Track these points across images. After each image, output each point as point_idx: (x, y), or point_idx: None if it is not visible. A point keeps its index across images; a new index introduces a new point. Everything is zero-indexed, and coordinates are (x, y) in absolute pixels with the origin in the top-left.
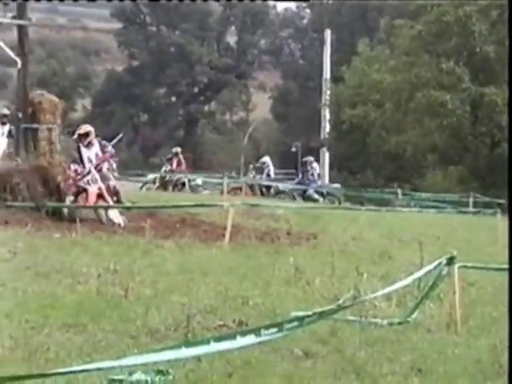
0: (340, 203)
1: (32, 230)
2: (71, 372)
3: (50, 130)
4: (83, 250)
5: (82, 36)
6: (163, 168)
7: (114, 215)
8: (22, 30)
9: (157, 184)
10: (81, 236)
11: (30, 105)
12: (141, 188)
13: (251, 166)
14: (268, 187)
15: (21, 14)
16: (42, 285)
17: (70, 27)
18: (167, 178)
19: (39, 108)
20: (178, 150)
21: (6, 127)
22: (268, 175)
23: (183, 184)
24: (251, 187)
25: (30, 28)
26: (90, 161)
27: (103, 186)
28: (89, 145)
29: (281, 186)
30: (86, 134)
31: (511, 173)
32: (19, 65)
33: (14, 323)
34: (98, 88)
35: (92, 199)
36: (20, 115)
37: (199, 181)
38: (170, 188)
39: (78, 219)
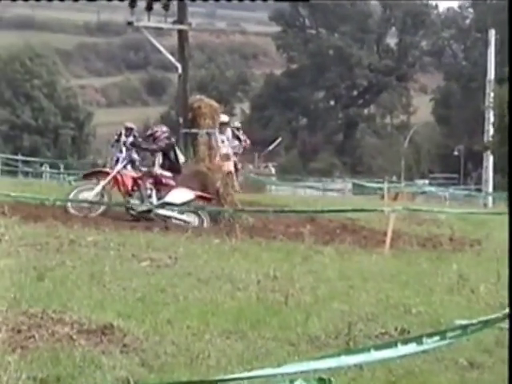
0: None
1: (191, 235)
2: (233, 379)
3: (209, 134)
4: (242, 255)
5: (240, 40)
6: None
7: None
8: (182, 34)
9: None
10: (240, 242)
11: (190, 109)
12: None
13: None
14: None
15: (181, 18)
16: (203, 291)
17: (228, 31)
18: None
19: (199, 113)
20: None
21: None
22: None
23: None
24: None
25: (189, 33)
26: (222, 141)
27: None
28: (222, 131)
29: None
30: (225, 123)
31: (511, 172)
32: (179, 70)
33: (175, 329)
34: (257, 92)
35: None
36: (180, 120)
37: None
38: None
39: (237, 225)
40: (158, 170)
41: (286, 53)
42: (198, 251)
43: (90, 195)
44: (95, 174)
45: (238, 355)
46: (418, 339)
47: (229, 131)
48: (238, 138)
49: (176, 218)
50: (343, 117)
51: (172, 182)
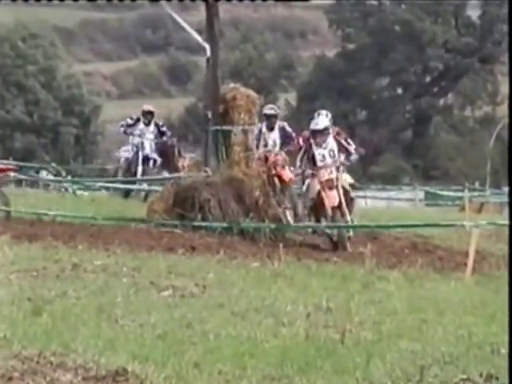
0: None
1: (224, 257)
2: None
3: (245, 132)
4: (287, 282)
5: (284, 14)
6: None
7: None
8: (211, 8)
9: None
10: (284, 265)
11: (222, 101)
12: None
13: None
14: None
15: None
16: (238, 327)
17: (269, 4)
18: None
19: (233, 105)
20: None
21: None
22: None
23: None
24: None
25: (220, 6)
26: (323, 157)
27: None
28: (320, 143)
29: None
30: (325, 129)
31: (511, 170)
32: (208, 52)
33: (204, 375)
34: (305, 79)
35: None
36: (209, 114)
37: None
38: None
39: (280, 244)
40: None
41: (341, 30)
42: (232, 277)
43: None
44: None
45: None
46: None
47: (331, 140)
48: (344, 149)
49: None
50: (413, 109)
51: None
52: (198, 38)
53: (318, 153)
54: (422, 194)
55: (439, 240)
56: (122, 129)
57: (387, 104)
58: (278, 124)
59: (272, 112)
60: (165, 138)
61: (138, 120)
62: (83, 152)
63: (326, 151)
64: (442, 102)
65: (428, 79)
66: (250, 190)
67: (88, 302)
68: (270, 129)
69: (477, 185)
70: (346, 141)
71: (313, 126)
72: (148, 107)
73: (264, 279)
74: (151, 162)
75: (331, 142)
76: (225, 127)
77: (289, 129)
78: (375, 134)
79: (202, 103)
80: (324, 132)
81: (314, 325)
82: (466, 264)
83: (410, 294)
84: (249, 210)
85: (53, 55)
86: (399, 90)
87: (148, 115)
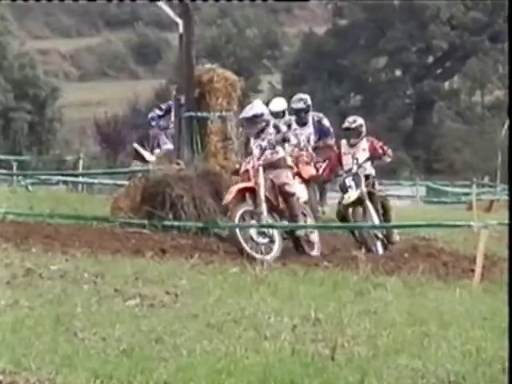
0: None
1: (199, 261)
2: None
3: (224, 119)
4: (271, 290)
5: None
6: None
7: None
8: None
9: None
10: (267, 270)
11: (197, 84)
12: None
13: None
14: None
15: None
16: (214, 341)
17: None
18: None
19: (209, 88)
20: None
21: None
22: None
23: None
24: None
25: None
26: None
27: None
28: (261, 133)
29: None
30: (255, 117)
31: (511, 170)
32: (181, 28)
33: None
34: (291, 59)
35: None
36: (182, 99)
37: None
38: None
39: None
40: None
41: (332, 3)
42: (208, 284)
43: None
44: None
45: None
46: None
47: (270, 130)
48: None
49: None
50: (414, 93)
51: None
52: (170, 12)
53: (255, 145)
54: (423, 190)
55: (443, 243)
56: (154, 127)
57: (385, 88)
58: (313, 117)
59: (300, 106)
60: None
61: (169, 109)
62: (38, 141)
63: (265, 142)
64: (446, 85)
65: (431, 60)
66: (228, 185)
67: (43, 312)
68: (302, 124)
69: (486, 180)
70: (382, 148)
71: (242, 114)
72: None
73: (244, 286)
74: None
75: (271, 132)
76: (200, 114)
77: (327, 123)
78: (371, 122)
79: (174, 86)
80: (255, 120)
81: (301, 338)
82: (473, 270)
83: (409, 303)
84: (227, 208)
85: (3, 30)
86: (398, 72)
87: None
